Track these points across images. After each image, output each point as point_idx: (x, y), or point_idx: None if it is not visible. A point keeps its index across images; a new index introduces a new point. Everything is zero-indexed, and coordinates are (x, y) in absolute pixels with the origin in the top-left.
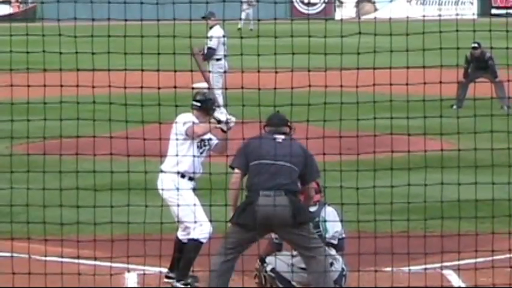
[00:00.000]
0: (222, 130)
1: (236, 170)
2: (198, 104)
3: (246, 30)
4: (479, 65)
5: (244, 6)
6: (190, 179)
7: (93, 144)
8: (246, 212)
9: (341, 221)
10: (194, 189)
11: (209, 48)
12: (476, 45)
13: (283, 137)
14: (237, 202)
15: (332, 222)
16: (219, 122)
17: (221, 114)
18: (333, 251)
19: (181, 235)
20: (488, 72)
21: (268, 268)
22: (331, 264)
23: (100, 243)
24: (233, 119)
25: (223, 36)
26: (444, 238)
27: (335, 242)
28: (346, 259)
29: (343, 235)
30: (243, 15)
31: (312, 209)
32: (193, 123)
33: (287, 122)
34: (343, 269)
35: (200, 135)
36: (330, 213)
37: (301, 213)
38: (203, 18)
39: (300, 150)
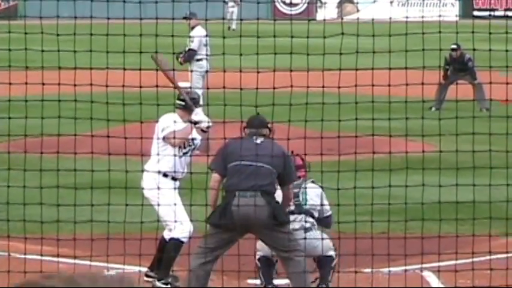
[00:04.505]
0: (202, 130)
1: (214, 172)
2: (182, 103)
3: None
4: (459, 66)
5: (230, 4)
6: (174, 178)
7: (74, 142)
8: (223, 212)
9: (322, 204)
10: (176, 189)
11: (190, 49)
12: (455, 46)
13: (262, 138)
14: (216, 203)
15: (312, 192)
16: (195, 123)
17: (195, 115)
18: (310, 219)
19: (167, 235)
20: (468, 74)
21: (257, 256)
22: (309, 229)
23: (80, 242)
24: (206, 119)
25: (206, 36)
26: (424, 240)
27: (315, 213)
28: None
29: (329, 212)
30: (228, 15)
31: (296, 181)
32: (173, 130)
33: (267, 124)
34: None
35: (178, 143)
36: (311, 186)
37: (279, 214)
38: (184, 18)
39: (279, 152)
